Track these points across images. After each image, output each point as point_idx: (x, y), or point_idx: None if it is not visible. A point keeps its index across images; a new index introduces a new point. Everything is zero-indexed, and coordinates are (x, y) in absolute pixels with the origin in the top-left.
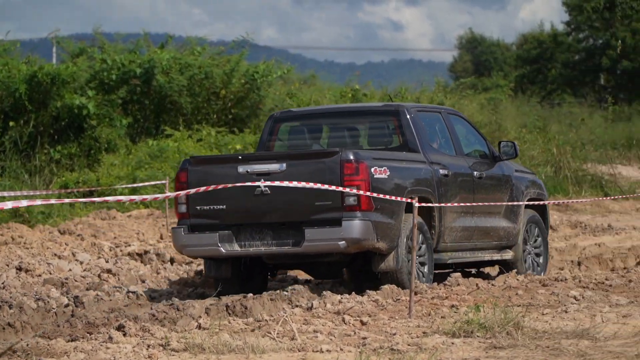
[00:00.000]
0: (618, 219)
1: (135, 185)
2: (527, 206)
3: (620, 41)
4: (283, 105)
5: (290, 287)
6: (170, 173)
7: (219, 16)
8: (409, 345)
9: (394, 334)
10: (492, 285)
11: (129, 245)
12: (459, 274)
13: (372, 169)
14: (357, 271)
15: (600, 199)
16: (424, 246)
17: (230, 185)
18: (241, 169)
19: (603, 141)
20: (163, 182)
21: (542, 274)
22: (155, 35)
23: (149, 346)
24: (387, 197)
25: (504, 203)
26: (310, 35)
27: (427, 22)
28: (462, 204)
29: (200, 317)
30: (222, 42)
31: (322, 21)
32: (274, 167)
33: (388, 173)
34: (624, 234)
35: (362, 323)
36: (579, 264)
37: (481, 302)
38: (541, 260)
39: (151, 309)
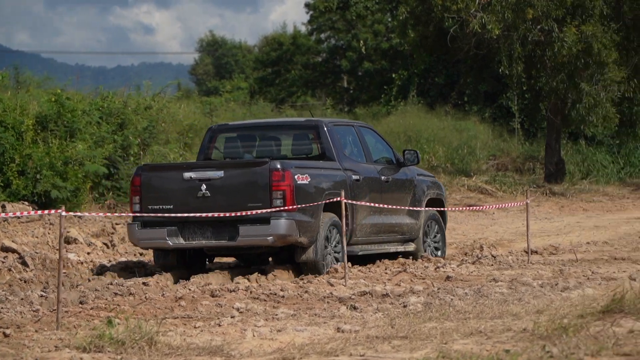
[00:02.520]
0: None
1: None
2: (428, 205)
3: (362, 42)
4: None
5: None
6: None
7: None
8: None
9: (28, 348)
10: (163, 295)
11: None
12: (134, 282)
13: (296, 176)
14: (281, 259)
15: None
16: (338, 238)
17: None
18: (186, 175)
19: None
20: None
21: None
22: None
23: None
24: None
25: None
26: (62, 39)
27: (178, 25)
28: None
29: None
30: None
31: (74, 25)
32: (214, 174)
33: (309, 179)
34: None
35: (5, 335)
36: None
37: (131, 314)
38: (439, 253)
39: None
